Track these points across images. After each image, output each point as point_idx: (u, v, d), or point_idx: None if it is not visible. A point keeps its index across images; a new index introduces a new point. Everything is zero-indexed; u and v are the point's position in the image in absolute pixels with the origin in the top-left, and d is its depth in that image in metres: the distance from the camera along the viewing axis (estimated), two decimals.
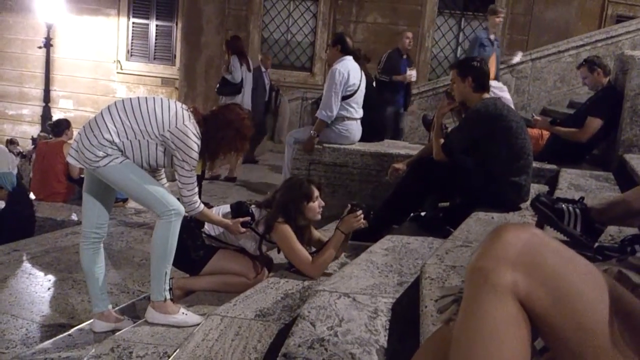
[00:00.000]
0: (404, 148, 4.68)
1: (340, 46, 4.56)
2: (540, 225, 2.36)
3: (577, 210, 2.06)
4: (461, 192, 3.28)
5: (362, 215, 2.89)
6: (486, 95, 3.28)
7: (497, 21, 6.36)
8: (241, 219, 2.84)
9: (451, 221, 3.11)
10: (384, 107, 5.86)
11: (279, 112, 8.10)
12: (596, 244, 2.04)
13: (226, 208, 2.96)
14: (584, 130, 4.23)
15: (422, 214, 3.33)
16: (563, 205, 2.08)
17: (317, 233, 3.18)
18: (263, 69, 7.79)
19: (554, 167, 4.08)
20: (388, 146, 4.74)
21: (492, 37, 6.32)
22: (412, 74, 6.64)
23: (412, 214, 3.38)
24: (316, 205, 2.91)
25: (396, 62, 6.66)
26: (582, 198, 2.14)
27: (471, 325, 0.90)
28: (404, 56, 6.79)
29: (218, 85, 6.87)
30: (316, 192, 2.91)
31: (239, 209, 2.89)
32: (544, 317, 0.87)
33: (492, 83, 5.77)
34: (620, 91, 4.32)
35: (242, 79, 6.66)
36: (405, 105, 6.83)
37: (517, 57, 7.37)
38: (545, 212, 2.12)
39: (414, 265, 2.52)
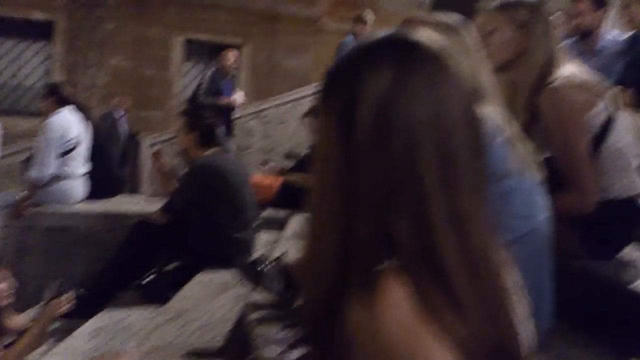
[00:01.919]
0: (138, 204, 4.36)
1: (56, 97, 4.11)
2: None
3: (276, 268, 2.05)
4: (186, 251, 3.11)
5: (71, 296, 2.57)
6: (210, 151, 3.19)
7: None
8: None
9: (177, 284, 2.90)
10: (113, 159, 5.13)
11: (138, 162, 6.83)
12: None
13: None
14: (311, 175, 4.47)
15: (147, 280, 3.06)
16: (263, 267, 2.05)
17: (17, 318, 2.67)
18: (117, 115, 6.71)
19: (287, 212, 4.19)
20: (119, 203, 4.36)
21: None
22: (237, 97, 6.07)
23: (136, 281, 3.08)
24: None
25: (217, 85, 6.02)
26: (283, 254, 2.14)
27: None
28: (227, 76, 6.18)
29: None
30: None
31: None
32: None
33: None
34: None
35: None
36: (229, 133, 6.06)
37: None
38: (247, 275, 2.09)
39: (125, 348, 2.25)
